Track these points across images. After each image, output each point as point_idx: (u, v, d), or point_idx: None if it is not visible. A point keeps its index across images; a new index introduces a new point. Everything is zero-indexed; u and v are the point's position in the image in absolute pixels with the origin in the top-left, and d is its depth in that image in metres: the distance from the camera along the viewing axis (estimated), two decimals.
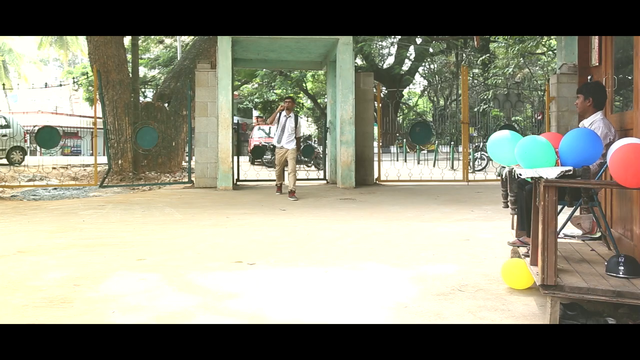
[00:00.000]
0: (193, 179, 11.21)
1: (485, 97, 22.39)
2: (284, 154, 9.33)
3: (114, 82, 12.71)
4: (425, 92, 39.09)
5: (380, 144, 12.49)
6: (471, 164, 15.34)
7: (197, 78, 11.09)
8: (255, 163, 19.52)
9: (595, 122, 3.88)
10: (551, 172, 3.02)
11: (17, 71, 37.98)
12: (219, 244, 5.43)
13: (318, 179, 13.17)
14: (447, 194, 9.97)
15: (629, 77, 4.01)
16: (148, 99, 21.67)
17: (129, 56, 14.77)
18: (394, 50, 31.48)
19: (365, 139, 11.85)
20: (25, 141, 18.95)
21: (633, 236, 3.61)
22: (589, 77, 4.63)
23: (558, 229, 3.17)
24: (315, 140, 28.78)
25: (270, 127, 23.51)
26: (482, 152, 15.96)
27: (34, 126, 14.76)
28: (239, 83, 29.77)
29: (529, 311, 3.39)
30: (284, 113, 9.18)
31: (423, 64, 34.29)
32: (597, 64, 4.50)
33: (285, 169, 9.52)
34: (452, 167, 16.91)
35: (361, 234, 5.89)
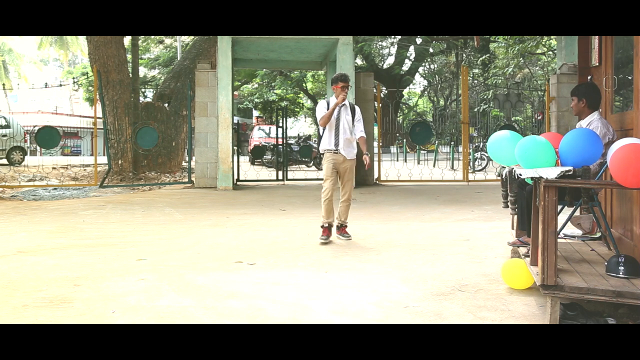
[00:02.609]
0: (193, 179, 11.21)
1: (485, 97, 22.39)
2: (339, 165, 5.60)
3: (114, 82, 12.71)
4: (425, 92, 39.08)
5: (380, 144, 12.49)
6: (471, 164, 15.34)
7: (197, 78, 11.09)
8: (255, 163, 19.51)
9: (592, 122, 3.90)
10: (551, 172, 3.02)
11: (17, 71, 37.97)
12: (219, 244, 5.43)
13: (318, 179, 13.17)
14: (447, 194, 9.97)
15: (629, 77, 4.01)
16: (148, 99, 21.68)
17: (129, 56, 14.77)
18: (394, 50, 31.48)
19: (365, 139, 11.82)
20: (25, 141, 18.95)
21: (633, 236, 3.61)
22: (589, 77, 4.63)
23: (558, 229, 3.17)
24: (315, 140, 28.79)
25: (270, 127, 23.44)
26: (482, 152, 15.96)
27: (34, 126, 14.74)
28: (239, 83, 29.77)
29: (529, 311, 3.39)
30: (333, 102, 5.60)
31: (423, 64, 34.28)
32: (597, 64, 4.51)
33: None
34: (452, 167, 16.91)
35: (361, 234, 5.89)
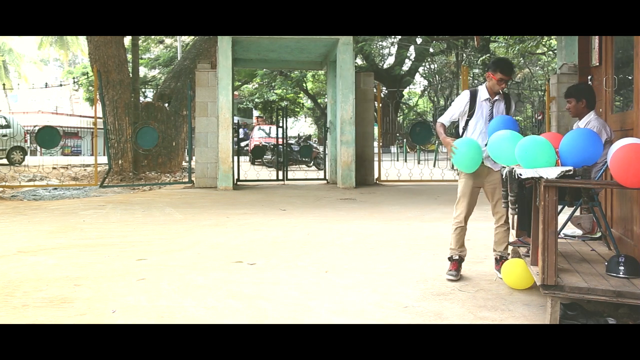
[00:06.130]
0: (193, 179, 11.21)
1: None
2: (482, 179, 4.19)
3: (114, 82, 12.71)
4: (426, 92, 39.08)
5: (381, 144, 12.49)
6: None
7: (197, 78, 11.10)
8: (256, 163, 19.52)
9: (590, 121, 3.94)
10: (551, 172, 3.02)
11: (17, 71, 38.00)
12: (219, 244, 5.43)
13: (318, 179, 13.17)
14: (447, 194, 9.96)
15: (629, 77, 4.02)
16: (148, 99, 21.66)
17: (129, 56, 14.78)
18: (394, 50, 31.46)
19: (366, 139, 11.85)
20: (26, 141, 18.96)
21: (633, 236, 3.61)
22: (589, 77, 4.64)
23: (558, 229, 3.17)
24: (315, 140, 28.78)
25: (270, 127, 23.38)
26: None
27: (34, 126, 14.75)
28: (239, 83, 29.77)
29: (529, 311, 3.39)
30: (484, 95, 4.12)
31: (423, 64, 34.27)
32: (597, 64, 4.51)
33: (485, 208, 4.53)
34: (453, 167, 16.90)
35: (361, 234, 5.89)
